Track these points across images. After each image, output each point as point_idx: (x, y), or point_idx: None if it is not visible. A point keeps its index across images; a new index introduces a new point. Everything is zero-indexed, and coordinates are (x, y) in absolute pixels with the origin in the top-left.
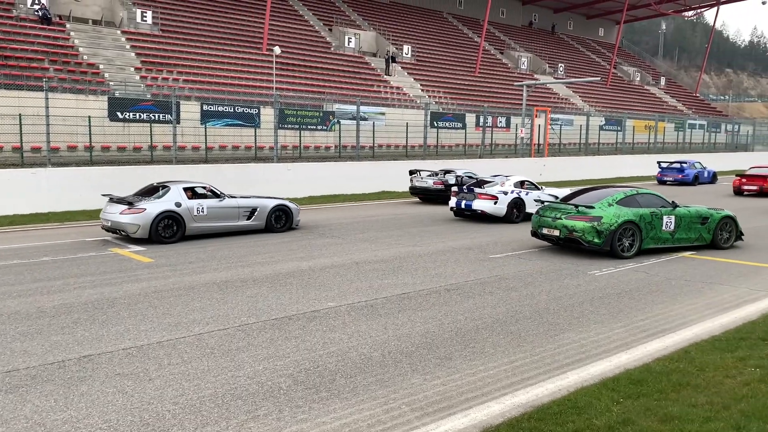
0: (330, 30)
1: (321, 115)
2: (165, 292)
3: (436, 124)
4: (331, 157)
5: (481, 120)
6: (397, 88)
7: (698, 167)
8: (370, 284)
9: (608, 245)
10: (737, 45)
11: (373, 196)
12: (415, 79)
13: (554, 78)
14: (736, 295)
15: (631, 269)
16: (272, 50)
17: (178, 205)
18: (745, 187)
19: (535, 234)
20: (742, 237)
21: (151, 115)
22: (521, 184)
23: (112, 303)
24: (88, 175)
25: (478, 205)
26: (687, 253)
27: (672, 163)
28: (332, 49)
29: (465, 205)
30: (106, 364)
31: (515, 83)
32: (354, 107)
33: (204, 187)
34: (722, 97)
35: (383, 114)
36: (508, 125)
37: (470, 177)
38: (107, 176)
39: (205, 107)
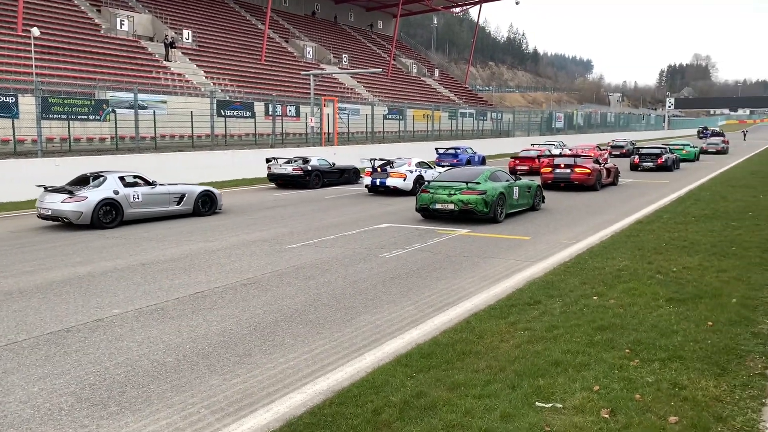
0: (99, 11)
1: (93, 103)
2: None
3: (223, 113)
4: (107, 149)
5: (271, 109)
6: (179, 74)
7: (470, 152)
8: (160, 286)
9: (492, 213)
10: (498, 40)
11: None
12: (197, 65)
13: (339, 68)
14: (506, 266)
15: (417, 250)
16: (30, 31)
17: (116, 192)
18: (519, 168)
19: (424, 210)
20: (544, 200)
21: None
22: (420, 164)
23: None
24: None
25: (391, 182)
26: (464, 231)
27: (448, 149)
28: (102, 31)
29: (380, 182)
30: None
31: (302, 72)
32: (131, 95)
33: (136, 176)
34: (487, 88)
35: (165, 102)
36: (297, 114)
37: (326, 162)
38: None
39: None
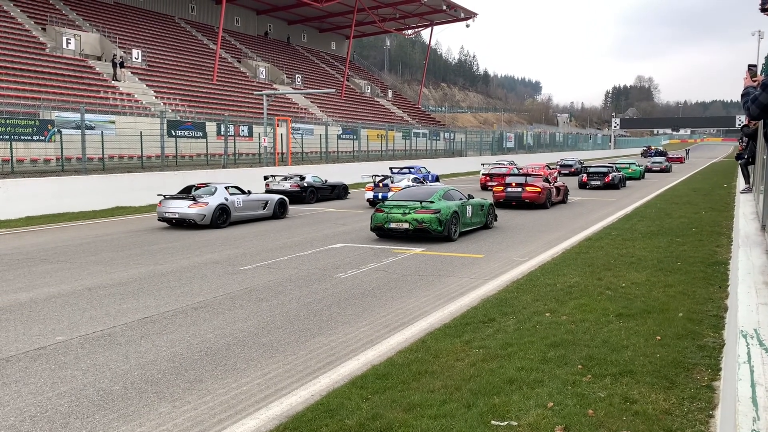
0: (44, 30)
1: (37, 123)
2: None
3: (174, 133)
4: (53, 171)
5: (223, 129)
6: (128, 94)
7: (424, 171)
8: (107, 311)
9: (446, 231)
10: (449, 62)
11: (106, 213)
12: (147, 85)
13: (293, 88)
14: (460, 284)
15: (373, 269)
16: None
17: (226, 199)
18: (490, 184)
19: (379, 229)
20: (497, 218)
21: None
22: (415, 180)
23: None
24: None
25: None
26: (419, 250)
27: (402, 168)
28: (47, 50)
29: (382, 196)
30: None
31: (255, 92)
32: (78, 115)
33: (235, 186)
34: (439, 109)
35: (113, 122)
36: (251, 134)
37: (319, 179)
38: None
39: None
